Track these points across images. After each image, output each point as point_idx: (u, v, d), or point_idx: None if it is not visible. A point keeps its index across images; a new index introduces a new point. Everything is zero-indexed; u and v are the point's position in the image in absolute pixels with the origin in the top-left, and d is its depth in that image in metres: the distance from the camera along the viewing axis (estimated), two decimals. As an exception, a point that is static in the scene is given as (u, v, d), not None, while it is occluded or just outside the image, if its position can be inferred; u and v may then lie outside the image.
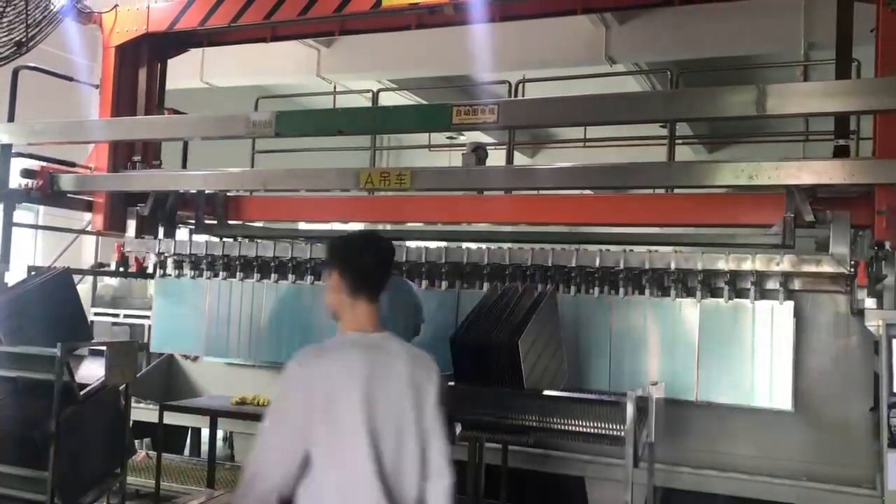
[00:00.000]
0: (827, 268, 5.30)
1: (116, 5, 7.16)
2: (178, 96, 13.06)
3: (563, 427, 4.64)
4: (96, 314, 7.89)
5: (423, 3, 6.14)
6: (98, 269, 7.79)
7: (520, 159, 16.13)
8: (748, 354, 5.49)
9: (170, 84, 13.19)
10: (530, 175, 5.76)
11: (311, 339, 6.16)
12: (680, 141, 13.16)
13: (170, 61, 12.36)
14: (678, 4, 6.00)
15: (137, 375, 5.87)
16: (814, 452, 5.48)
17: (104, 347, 5.11)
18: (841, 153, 5.36)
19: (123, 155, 7.16)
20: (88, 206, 7.20)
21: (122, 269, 7.42)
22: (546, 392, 4.78)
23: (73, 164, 7.03)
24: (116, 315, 7.99)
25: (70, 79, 7.52)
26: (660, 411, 4.70)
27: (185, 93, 12.80)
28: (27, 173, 6.57)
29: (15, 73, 6.61)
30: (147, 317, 7.76)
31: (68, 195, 6.95)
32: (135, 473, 6.14)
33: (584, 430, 4.59)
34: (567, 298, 5.88)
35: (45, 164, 6.77)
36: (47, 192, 6.63)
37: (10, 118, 6.74)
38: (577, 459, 5.65)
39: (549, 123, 5.79)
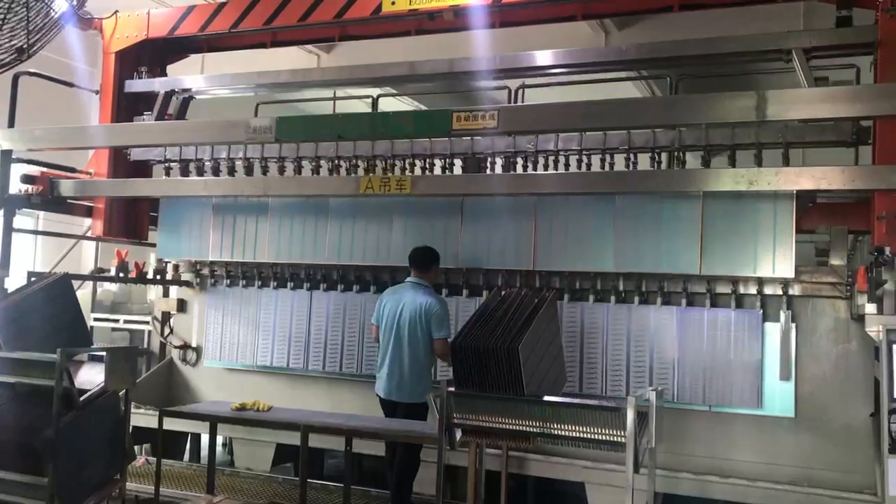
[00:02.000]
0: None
1: (116, 11, 7.18)
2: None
3: (563, 433, 4.64)
4: (96, 319, 7.89)
5: (422, 8, 6.13)
6: (98, 275, 7.79)
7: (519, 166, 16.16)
8: (750, 230, 5.42)
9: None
10: (530, 181, 5.76)
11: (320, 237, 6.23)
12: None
13: (169, 67, 12.40)
14: (678, 10, 6.01)
15: (137, 381, 5.87)
16: (814, 458, 5.49)
17: (104, 353, 5.11)
18: (843, 23, 5.35)
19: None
20: (88, 212, 7.25)
21: (121, 275, 7.43)
22: (546, 398, 4.78)
23: (72, 170, 7.05)
24: (116, 320, 7.99)
25: (70, 84, 7.53)
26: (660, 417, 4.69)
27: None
28: (27, 179, 6.61)
29: (15, 79, 6.62)
30: (146, 322, 7.77)
31: (68, 200, 6.98)
32: (134, 479, 6.13)
33: (585, 435, 4.59)
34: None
35: (44, 169, 6.81)
36: (47, 197, 6.66)
37: (11, 124, 6.74)
38: (577, 465, 5.65)
39: (549, 129, 5.77)
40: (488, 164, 6.24)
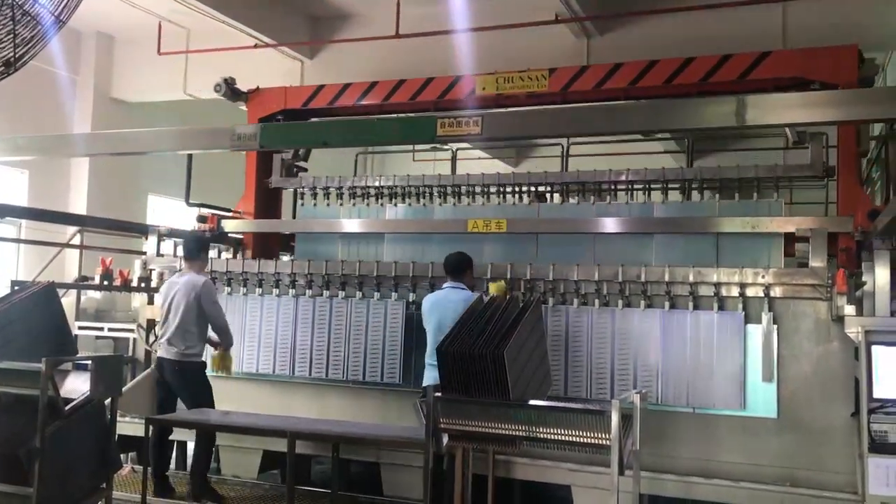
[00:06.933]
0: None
1: (258, 87, 8.45)
2: (162, 108, 13.08)
3: (549, 436, 4.68)
4: (80, 328, 7.85)
5: (506, 93, 7.31)
6: (82, 283, 7.76)
7: (502, 168, 16.28)
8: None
9: (152, 96, 13.20)
10: (592, 223, 6.65)
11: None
12: (662, 150, 13.35)
13: (152, 73, 12.40)
14: (695, 95, 6.48)
15: (123, 389, 5.85)
16: (797, 458, 5.55)
17: (89, 361, 5.09)
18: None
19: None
20: (238, 242, 8.28)
21: (105, 283, 7.41)
22: (532, 402, 4.81)
23: (229, 210, 8.27)
24: (100, 329, 7.95)
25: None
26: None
27: (171, 105, 12.80)
28: (201, 219, 7.92)
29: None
30: (131, 330, 7.74)
31: (229, 235, 8.18)
32: (121, 488, 6.11)
33: (570, 438, 4.62)
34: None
35: (214, 212, 8.08)
36: (216, 232, 7.94)
37: None
38: (563, 468, 5.69)
39: (533, 135, 5.85)
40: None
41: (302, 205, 8.04)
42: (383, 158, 16.33)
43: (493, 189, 7.39)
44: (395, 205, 7.58)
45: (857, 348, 5.21)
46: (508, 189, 7.40)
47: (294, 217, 8.49)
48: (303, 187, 7.92)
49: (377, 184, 7.65)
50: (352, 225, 7.54)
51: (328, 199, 7.79)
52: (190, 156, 8.25)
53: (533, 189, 7.53)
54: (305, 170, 8.40)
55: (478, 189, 7.44)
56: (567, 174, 7.54)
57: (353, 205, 7.75)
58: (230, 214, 8.22)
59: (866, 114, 4.84)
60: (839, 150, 6.48)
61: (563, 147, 8.76)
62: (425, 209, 7.49)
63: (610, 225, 6.61)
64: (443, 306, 5.94)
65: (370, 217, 7.58)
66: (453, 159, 9.32)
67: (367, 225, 7.51)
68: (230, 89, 8.20)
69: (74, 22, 7.37)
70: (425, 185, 7.53)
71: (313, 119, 8.22)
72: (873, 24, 8.87)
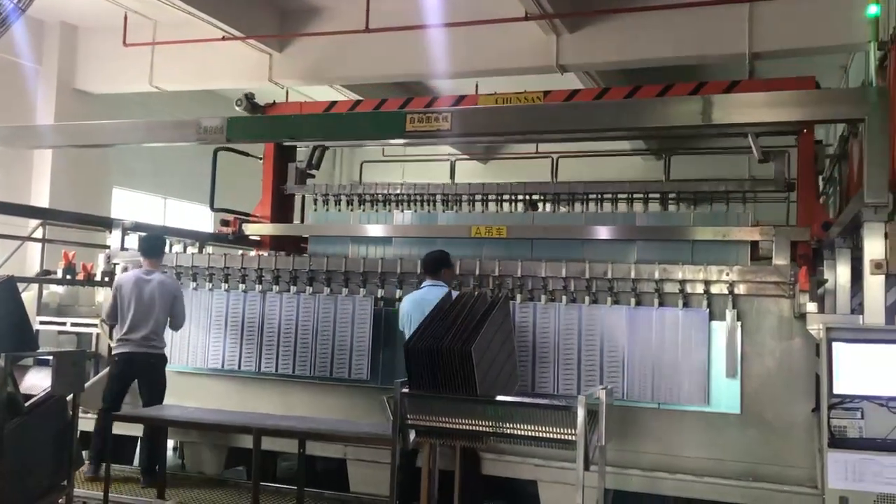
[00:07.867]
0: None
1: (274, 101, 9.12)
2: (127, 100, 12.89)
3: (515, 432, 4.69)
4: (42, 323, 7.71)
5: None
6: (44, 277, 7.63)
7: (473, 167, 16.32)
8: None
9: (118, 88, 13.02)
10: (582, 230, 7.02)
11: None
12: (632, 151, 13.47)
13: (118, 64, 12.25)
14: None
15: (85, 385, 5.77)
16: (759, 453, 5.63)
17: (50, 357, 5.00)
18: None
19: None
20: (257, 243, 8.99)
21: (68, 277, 7.29)
22: (499, 398, 4.82)
23: (247, 215, 8.96)
24: (63, 323, 7.81)
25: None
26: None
27: (137, 97, 12.62)
28: (224, 223, 8.74)
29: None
30: (94, 325, 7.62)
31: (249, 237, 8.90)
32: (83, 485, 6.02)
33: (537, 434, 4.64)
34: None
35: (234, 216, 8.84)
36: (237, 235, 8.70)
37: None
38: (529, 463, 5.72)
39: (502, 132, 5.86)
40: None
41: (315, 209, 8.64)
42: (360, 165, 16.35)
43: (491, 197, 8.14)
44: (402, 210, 8.14)
45: (818, 345, 5.29)
46: (505, 197, 8.12)
47: (303, 220, 9.26)
48: (315, 193, 8.53)
49: (385, 191, 8.35)
50: (363, 229, 7.95)
51: (339, 204, 8.44)
52: (214, 160, 8.89)
53: (527, 197, 8.24)
54: (313, 176, 8.99)
55: (478, 197, 8.09)
56: (559, 185, 8.19)
57: (363, 210, 8.35)
58: (247, 219, 8.89)
59: (829, 114, 4.95)
60: (798, 169, 7.20)
61: (552, 159, 9.54)
62: (430, 215, 7.98)
63: (598, 231, 7.04)
64: (424, 305, 5.91)
65: (377, 221, 7.97)
66: (452, 168, 9.82)
67: (377, 228, 7.88)
68: (249, 103, 8.76)
69: (37, 11, 7.30)
70: (430, 192, 8.26)
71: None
72: (836, 25, 9.03)
